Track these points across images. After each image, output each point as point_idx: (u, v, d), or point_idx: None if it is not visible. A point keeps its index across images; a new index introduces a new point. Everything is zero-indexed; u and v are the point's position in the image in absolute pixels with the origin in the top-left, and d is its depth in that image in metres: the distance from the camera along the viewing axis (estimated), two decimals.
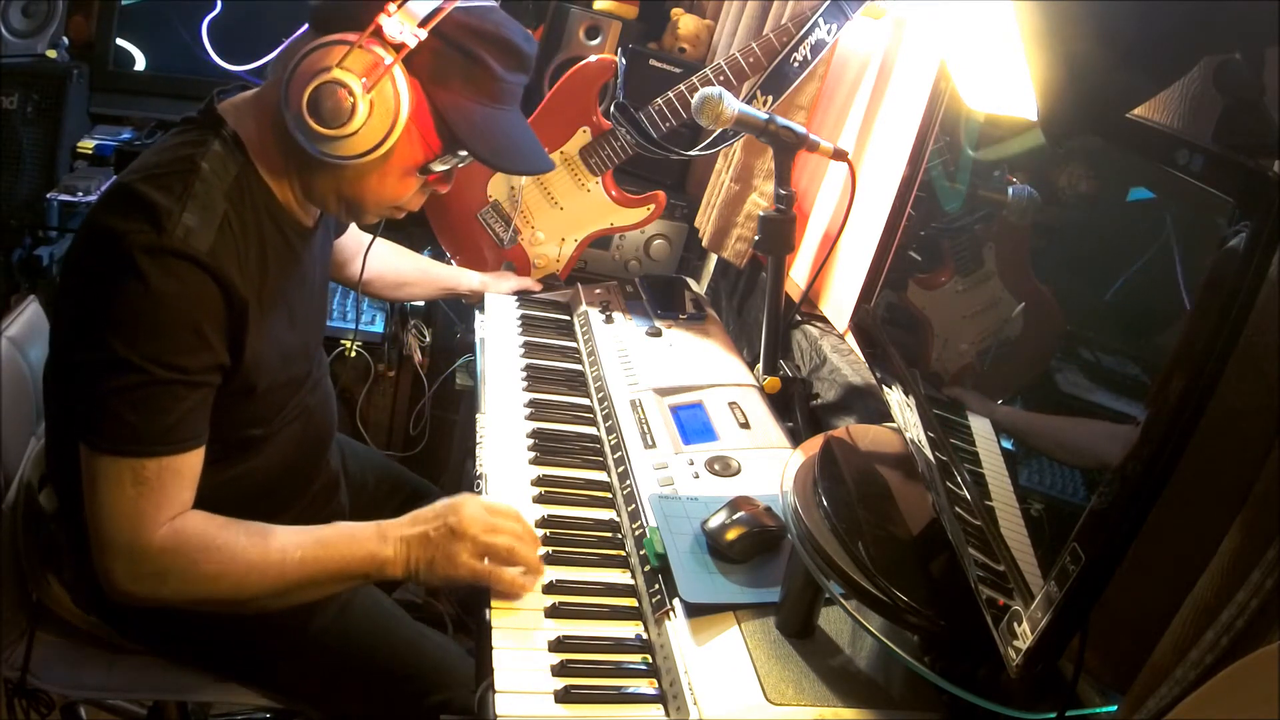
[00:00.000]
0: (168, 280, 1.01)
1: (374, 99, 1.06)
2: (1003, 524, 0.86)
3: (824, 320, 1.67)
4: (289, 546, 1.10)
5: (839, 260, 1.63)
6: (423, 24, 1.07)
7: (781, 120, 1.48)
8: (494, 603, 1.10)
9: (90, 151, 2.29)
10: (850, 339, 1.51)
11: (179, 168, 1.07)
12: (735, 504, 1.18)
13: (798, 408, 1.54)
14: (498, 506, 1.18)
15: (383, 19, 1.06)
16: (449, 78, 1.11)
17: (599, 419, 1.52)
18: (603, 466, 1.40)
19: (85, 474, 1.05)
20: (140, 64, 2.41)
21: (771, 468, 1.28)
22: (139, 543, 1.04)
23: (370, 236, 1.58)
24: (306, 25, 1.12)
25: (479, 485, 1.31)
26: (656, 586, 1.12)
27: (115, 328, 1.01)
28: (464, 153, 1.16)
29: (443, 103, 1.12)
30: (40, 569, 1.27)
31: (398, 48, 1.07)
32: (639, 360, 1.61)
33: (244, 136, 1.13)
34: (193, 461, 1.08)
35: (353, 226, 1.59)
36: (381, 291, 1.79)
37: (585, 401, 1.57)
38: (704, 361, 1.65)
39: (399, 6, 1.07)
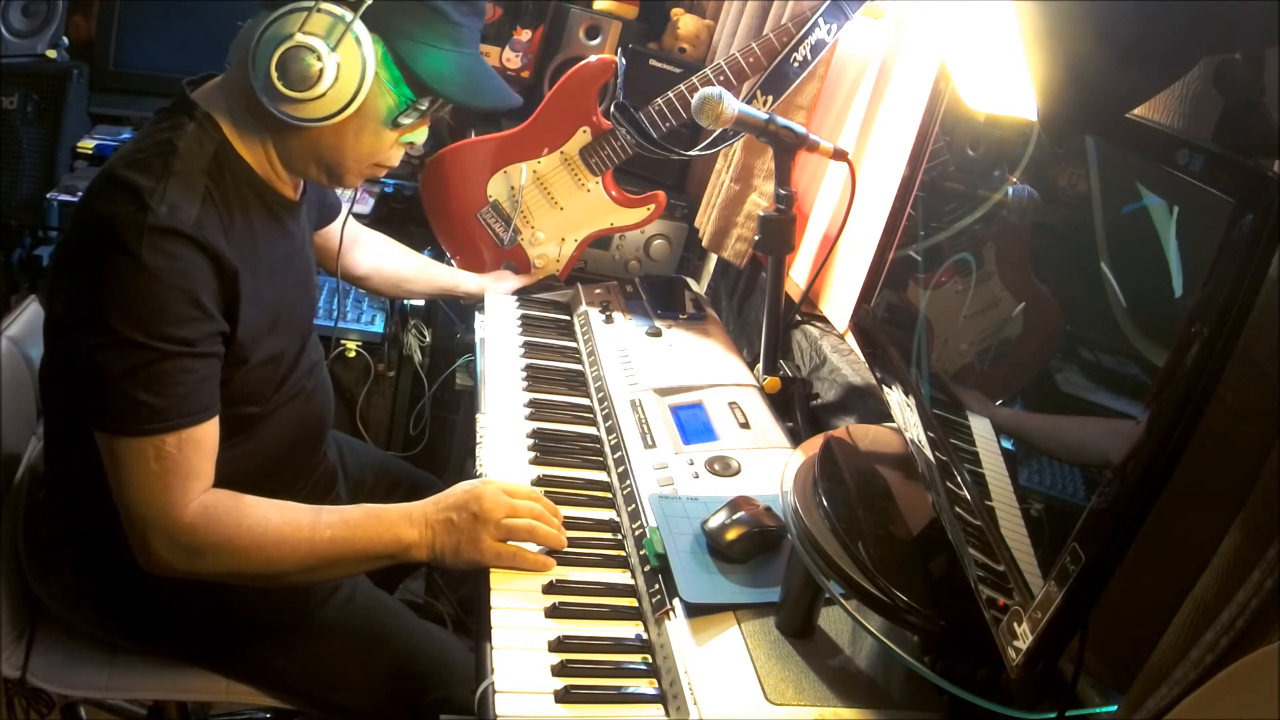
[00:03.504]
0: (158, 256, 1.02)
1: (340, 58, 1.09)
2: (1003, 524, 0.85)
3: (824, 320, 1.67)
4: (319, 525, 1.13)
5: (839, 260, 1.62)
6: None
7: (781, 120, 1.48)
8: (494, 601, 1.10)
9: (90, 151, 2.29)
10: (850, 339, 1.51)
11: (157, 150, 1.10)
12: (735, 504, 1.18)
13: (798, 408, 1.54)
14: (516, 488, 1.21)
15: None
16: (408, 27, 1.13)
17: (599, 419, 1.52)
18: (603, 466, 1.40)
19: (107, 459, 1.07)
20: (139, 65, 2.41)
21: (771, 468, 1.28)
22: (170, 516, 1.06)
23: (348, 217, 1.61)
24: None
25: None
26: (656, 586, 1.12)
27: (114, 309, 1.02)
28: (428, 102, 1.18)
29: (406, 52, 1.14)
30: (40, 569, 1.27)
31: (355, 5, 1.09)
32: (639, 360, 1.61)
33: (216, 115, 1.16)
34: (210, 432, 1.10)
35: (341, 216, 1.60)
36: (380, 288, 1.79)
37: (585, 401, 1.57)
38: (704, 361, 1.65)
39: None
